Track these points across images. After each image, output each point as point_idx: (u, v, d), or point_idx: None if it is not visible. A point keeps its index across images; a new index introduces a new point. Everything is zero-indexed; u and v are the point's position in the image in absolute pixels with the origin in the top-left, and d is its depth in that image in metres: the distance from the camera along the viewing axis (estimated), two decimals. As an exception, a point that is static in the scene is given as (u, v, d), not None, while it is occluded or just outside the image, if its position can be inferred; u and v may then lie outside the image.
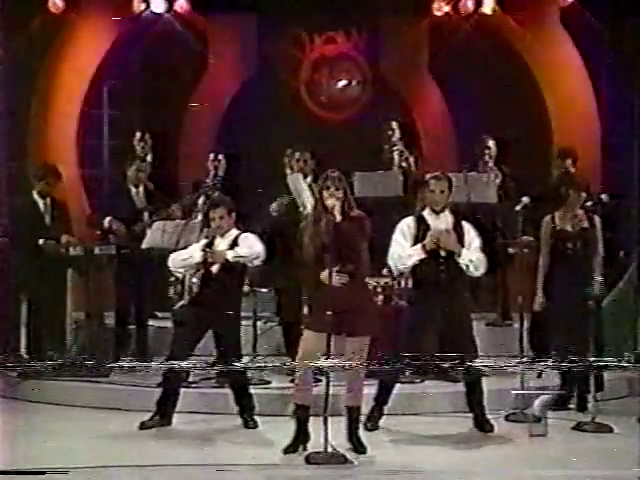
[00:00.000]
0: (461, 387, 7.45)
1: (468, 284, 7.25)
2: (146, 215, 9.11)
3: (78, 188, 11.09)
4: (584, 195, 7.77)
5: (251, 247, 7.28)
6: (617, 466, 6.18)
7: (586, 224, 7.70)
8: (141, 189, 9.29)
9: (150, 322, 9.18)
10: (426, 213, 7.21)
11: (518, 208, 8.07)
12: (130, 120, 10.48)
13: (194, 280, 8.00)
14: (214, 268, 7.31)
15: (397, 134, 9.66)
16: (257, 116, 11.05)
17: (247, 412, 7.43)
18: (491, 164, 9.53)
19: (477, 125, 10.31)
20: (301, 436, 6.55)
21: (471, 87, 10.91)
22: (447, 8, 11.27)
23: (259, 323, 8.71)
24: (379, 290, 8.28)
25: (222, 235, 7.40)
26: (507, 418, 7.56)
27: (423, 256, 7.04)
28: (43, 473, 5.68)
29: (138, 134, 9.84)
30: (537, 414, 7.11)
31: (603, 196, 7.96)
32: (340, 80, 11.71)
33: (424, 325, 7.16)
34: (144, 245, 8.60)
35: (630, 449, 6.35)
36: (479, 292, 8.50)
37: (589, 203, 8.01)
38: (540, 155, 10.34)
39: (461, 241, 7.08)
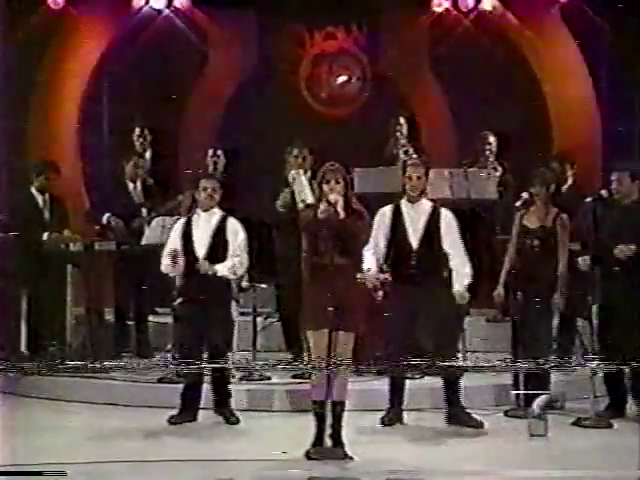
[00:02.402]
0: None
1: (445, 277, 7.24)
2: (144, 211, 9.10)
3: (78, 184, 11.04)
4: (544, 191, 7.67)
5: (236, 262, 7.23)
6: (617, 461, 6.18)
7: (549, 222, 7.62)
8: (139, 185, 9.27)
9: (150, 318, 9.17)
10: (403, 202, 7.26)
11: (518, 204, 8.03)
12: (130, 116, 10.43)
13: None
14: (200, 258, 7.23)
15: (405, 130, 9.64)
16: (257, 112, 11.01)
17: (224, 407, 7.38)
18: (492, 159, 9.52)
19: (477, 121, 10.29)
20: (322, 431, 6.45)
21: (471, 83, 10.87)
22: (447, 4, 11.23)
23: (259, 319, 8.68)
24: (378, 286, 8.01)
25: (205, 210, 7.34)
26: (506, 414, 7.53)
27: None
28: (41, 474, 5.64)
29: (137, 130, 9.81)
30: (536, 414, 7.07)
31: (603, 192, 7.88)
32: (340, 76, 11.67)
33: (404, 322, 7.14)
34: (144, 241, 8.58)
35: (630, 445, 6.34)
36: (478, 288, 8.27)
37: (588, 199, 7.95)
38: (540, 151, 10.25)
39: (438, 233, 7.15)
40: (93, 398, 8.03)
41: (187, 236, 7.33)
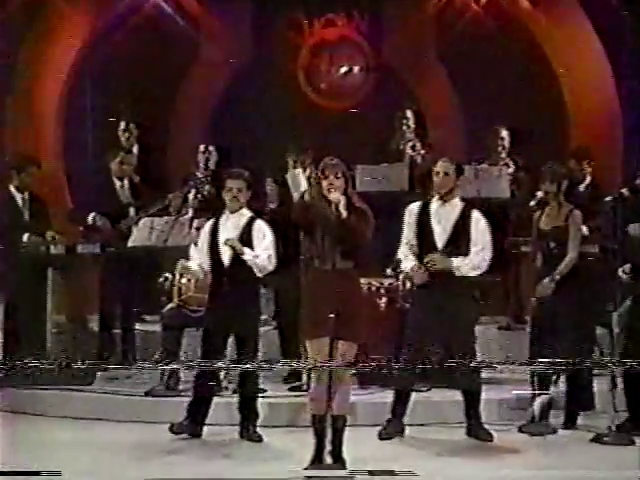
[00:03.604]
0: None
1: (472, 283, 7.14)
2: (132, 211, 8.96)
3: (60, 182, 10.92)
4: (554, 189, 7.40)
5: (265, 256, 7.02)
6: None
7: (561, 221, 7.38)
8: (126, 183, 9.15)
9: (137, 326, 9.01)
10: (433, 200, 7.16)
11: (532, 203, 7.77)
12: (115, 109, 10.29)
13: (183, 281, 7.96)
14: (225, 259, 7.04)
15: (411, 123, 9.48)
16: (252, 105, 10.88)
17: (250, 422, 7.14)
18: (504, 155, 9.36)
19: (488, 114, 10.15)
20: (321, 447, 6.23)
21: (482, 73, 10.73)
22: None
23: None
24: (382, 292, 8.07)
25: (232, 212, 7.11)
26: (520, 429, 7.28)
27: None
28: (38, 474, 5.69)
29: (122, 124, 9.65)
30: (537, 415, 7.04)
31: (624, 190, 7.57)
32: (341, 66, 11.55)
33: (426, 328, 6.97)
34: (130, 243, 8.42)
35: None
36: (489, 294, 8.32)
37: (608, 198, 7.61)
38: (556, 146, 10.14)
39: (467, 235, 6.99)
40: (76, 412, 7.84)
41: (213, 238, 7.14)
